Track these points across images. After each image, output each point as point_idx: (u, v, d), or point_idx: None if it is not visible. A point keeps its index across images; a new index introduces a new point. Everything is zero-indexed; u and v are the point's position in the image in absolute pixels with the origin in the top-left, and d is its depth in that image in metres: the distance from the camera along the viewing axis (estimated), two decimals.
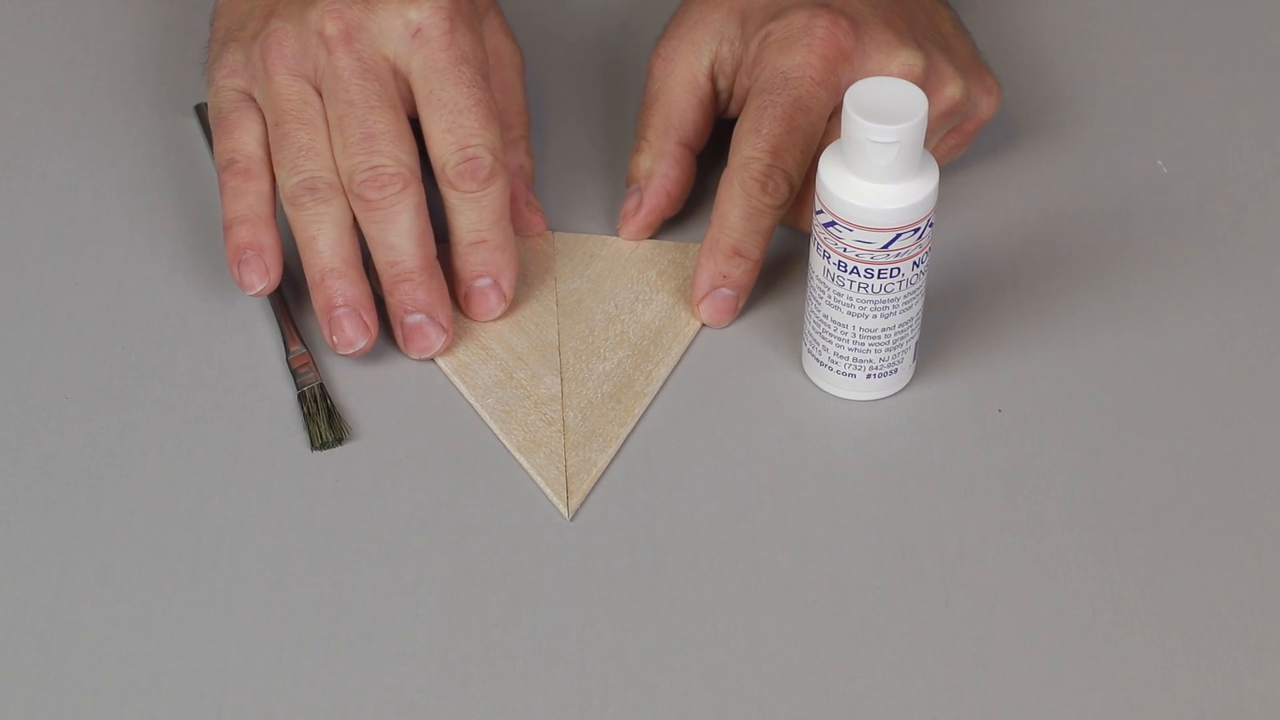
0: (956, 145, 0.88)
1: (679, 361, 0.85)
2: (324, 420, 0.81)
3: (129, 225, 0.89)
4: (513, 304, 0.85)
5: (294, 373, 0.82)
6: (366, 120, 0.81)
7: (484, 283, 0.84)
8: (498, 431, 0.82)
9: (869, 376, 0.81)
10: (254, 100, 0.84)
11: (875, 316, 0.80)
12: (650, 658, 0.75)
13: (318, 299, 0.82)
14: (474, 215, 0.82)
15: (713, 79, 0.87)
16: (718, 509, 0.80)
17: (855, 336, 0.80)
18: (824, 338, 0.81)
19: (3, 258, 0.87)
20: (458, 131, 0.81)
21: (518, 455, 0.81)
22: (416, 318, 0.82)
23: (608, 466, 0.81)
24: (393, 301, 0.82)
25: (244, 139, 0.83)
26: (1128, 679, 0.75)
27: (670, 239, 0.89)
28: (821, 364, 0.82)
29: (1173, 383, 0.84)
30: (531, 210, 0.88)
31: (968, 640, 0.76)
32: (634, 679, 0.74)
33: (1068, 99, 0.95)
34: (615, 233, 0.89)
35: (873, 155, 0.76)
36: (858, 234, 0.77)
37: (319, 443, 0.81)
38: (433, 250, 0.82)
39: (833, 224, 0.77)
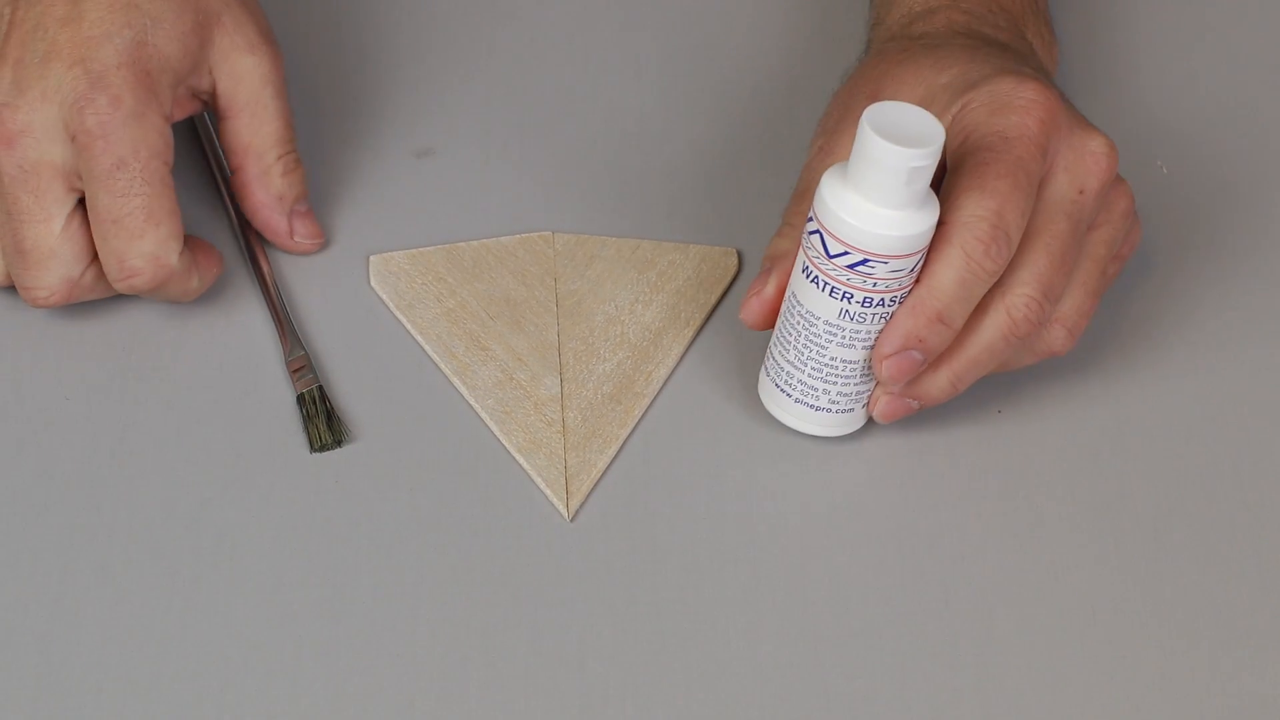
0: (1117, 273, 0.83)
1: (679, 362, 0.85)
2: (323, 422, 0.81)
3: None
4: (508, 305, 0.85)
5: (293, 375, 0.82)
6: (18, 233, 0.80)
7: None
8: (497, 432, 0.82)
9: (864, 406, 0.81)
10: None
11: None
12: (650, 658, 0.75)
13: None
14: (167, 298, 0.83)
15: None
16: (717, 510, 0.80)
17: (864, 368, 0.79)
18: (826, 381, 0.79)
19: None
20: (112, 243, 0.80)
21: (517, 456, 0.81)
22: None
23: (608, 467, 0.81)
24: None
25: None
26: (1128, 679, 0.75)
27: (673, 241, 0.89)
28: (818, 409, 0.80)
29: (1172, 383, 0.84)
30: (303, 237, 0.87)
31: (968, 640, 0.76)
32: (634, 679, 0.74)
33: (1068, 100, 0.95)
34: (615, 234, 0.89)
35: (915, 180, 0.73)
36: (893, 264, 0.75)
37: (318, 444, 0.81)
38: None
39: (864, 262, 0.75)
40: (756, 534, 0.79)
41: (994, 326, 0.78)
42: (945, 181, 0.78)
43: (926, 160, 0.73)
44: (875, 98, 0.81)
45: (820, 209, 0.75)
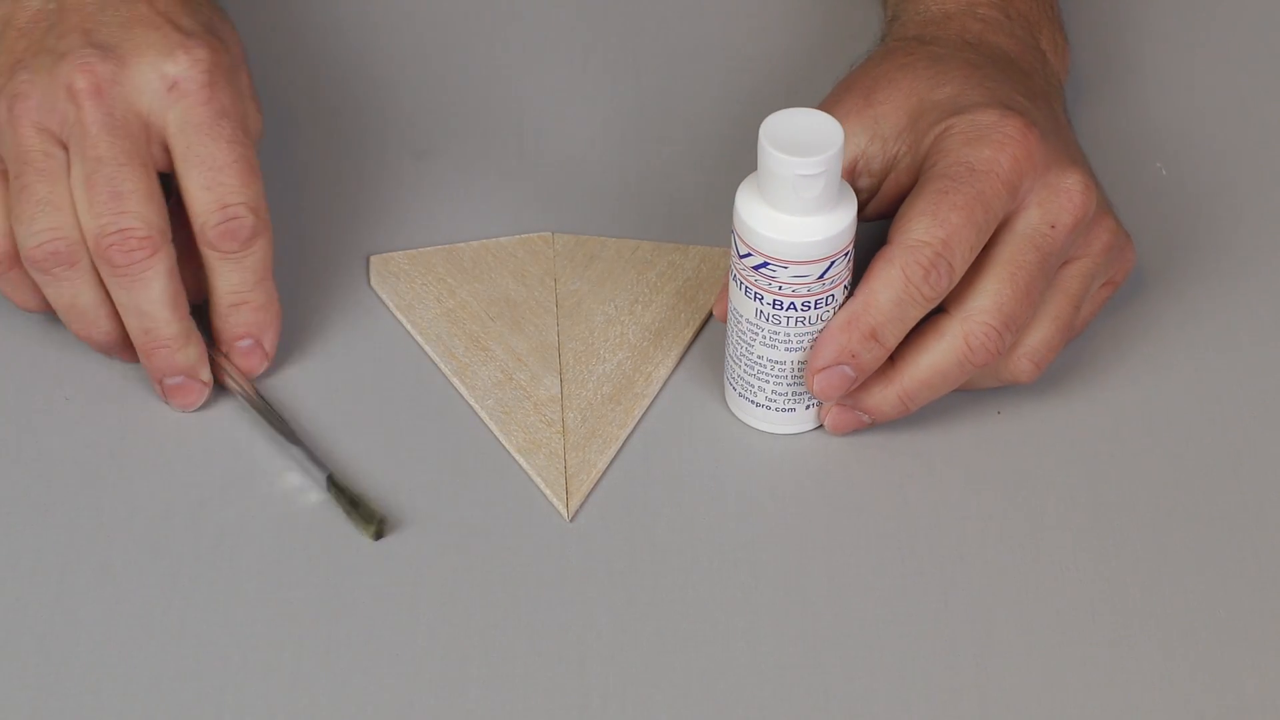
0: (1107, 297, 0.84)
1: (678, 363, 0.85)
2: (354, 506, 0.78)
3: None
4: (508, 305, 0.85)
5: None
6: (115, 178, 0.77)
7: (246, 344, 0.81)
8: (497, 433, 0.82)
9: (808, 407, 0.81)
10: None
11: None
12: (650, 658, 0.75)
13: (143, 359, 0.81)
14: (235, 276, 0.80)
15: (854, 175, 0.82)
16: (717, 510, 0.80)
17: (794, 371, 0.79)
18: (759, 379, 0.80)
19: None
20: (217, 189, 0.78)
21: (517, 456, 0.81)
22: (176, 379, 0.80)
23: (607, 467, 0.81)
24: (150, 366, 0.80)
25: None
26: (1128, 679, 0.75)
27: (673, 241, 0.89)
28: (758, 405, 0.81)
29: (1172, 383, 0.84)
30: (235, 371, 0.82)
31: (968, 640, 0.76)
32: (634, 679, 0.74)
33: (1066, 102, 0.95)
34: (615, 235, 0.89)
35: (802, 189, 0.74)
36: (794, 270, 0.76)
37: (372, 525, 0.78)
38: (186, 312, 0.79)
39: (765, 265, 0.76)
40: (756, 534, 0.79)
41: (950, 351, 0.78)
42: (904, 202, 0.79)
43: (812, 170, 0.74)
44: (869, 97, 0.82)
45: (734, 210, 0.77)
